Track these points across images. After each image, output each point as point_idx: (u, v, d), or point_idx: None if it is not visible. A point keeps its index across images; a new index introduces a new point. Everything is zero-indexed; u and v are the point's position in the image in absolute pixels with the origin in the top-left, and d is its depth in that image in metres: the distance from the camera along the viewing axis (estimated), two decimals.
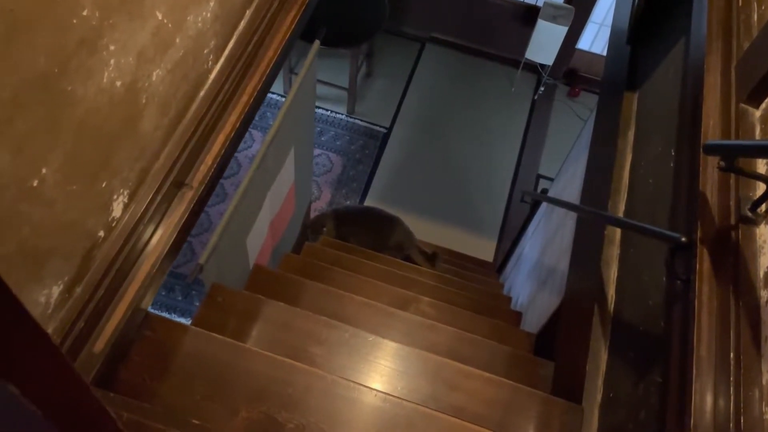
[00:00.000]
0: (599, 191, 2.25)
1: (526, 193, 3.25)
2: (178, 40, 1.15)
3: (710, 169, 1.36)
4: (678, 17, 2.09)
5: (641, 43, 2.47)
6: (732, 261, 1.25)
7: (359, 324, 1.95)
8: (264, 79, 1.47)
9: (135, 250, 1.18)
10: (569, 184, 2.95)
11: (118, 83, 1.01)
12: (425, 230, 4.02)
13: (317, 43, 2.36)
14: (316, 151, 4.31)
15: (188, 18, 1.17)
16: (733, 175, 1.32)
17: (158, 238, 1.24)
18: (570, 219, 2.66)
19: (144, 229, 1.19)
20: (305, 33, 3.81)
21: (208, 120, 1.32)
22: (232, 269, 2.20)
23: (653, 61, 2.25)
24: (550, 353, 2.24)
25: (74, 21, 0.87)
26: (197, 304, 3.69)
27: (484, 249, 4.06)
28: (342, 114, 4.47)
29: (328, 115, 4.46)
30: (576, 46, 4.47)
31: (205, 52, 1.29)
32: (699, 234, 1.32)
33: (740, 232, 1.26)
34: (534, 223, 3.53)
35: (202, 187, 1.31)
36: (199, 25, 1.22)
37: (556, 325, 2.27)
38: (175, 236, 1.26)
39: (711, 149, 1.28)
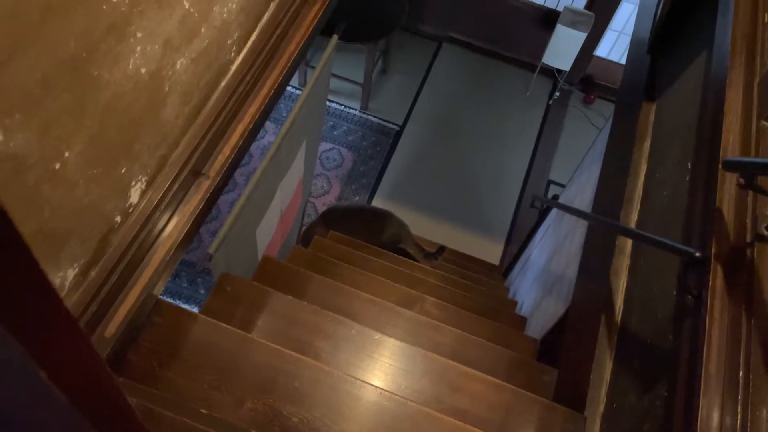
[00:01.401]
0: (612, 200, 2.24)
1: (536, 198, 3.24)
2: (203, 30, 1.16)
3: (728, 185, 1.36)
4: (701, 30, 2.08)
5: (662, 54, 2.45)
6: (746, 279, 1.24)
7: (365, 321, 1.95)
8: (285, 72, 1.47)
9: (150, 236, 1.18)
10: (581, 192, 2.95)
11: (143, 70, 1.01)
12: (433, 230, 4.02)
13: (335, 38, 2.36)
14: (328, 146, 4.31)
15: (214, 8, 1.17)
16: (751, 193, 1.32)
17: (173, 225, 1.24)
18: (580, 227, 2.66)
19: (160, 217, 1.19)
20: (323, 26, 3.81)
21: (228, 110, 1.32)
22: (241, 260, 2.21)
23: (673, 72, 2.24)
24: (553, 360, 2.24)
25: (104, 7, 0.87)
26: (202, 291, 3.70)
27: (491, 252, 4.06)
28: (355, 109, 4.47)
29: (342, 110, 4.46)
30: (594, 53, 4.45)
31: (229, 42, 1.29)
32: (714, 250, 1.31)
33: (755, 250, 1.25)
34: (543, 229, 3.52)
35: (219, 178, 1.31)
36: (225, 15, 1.22)
37: (561, 332, 2.27)
38: (189, 225, 1.26)
39: (730, 166, 1.27)
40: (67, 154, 0.90)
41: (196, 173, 1.28)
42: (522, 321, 2.70)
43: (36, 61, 0.79)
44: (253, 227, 2.23)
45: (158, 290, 1.29)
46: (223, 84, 1.32)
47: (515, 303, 3.07)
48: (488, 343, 2.02)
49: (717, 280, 1.28)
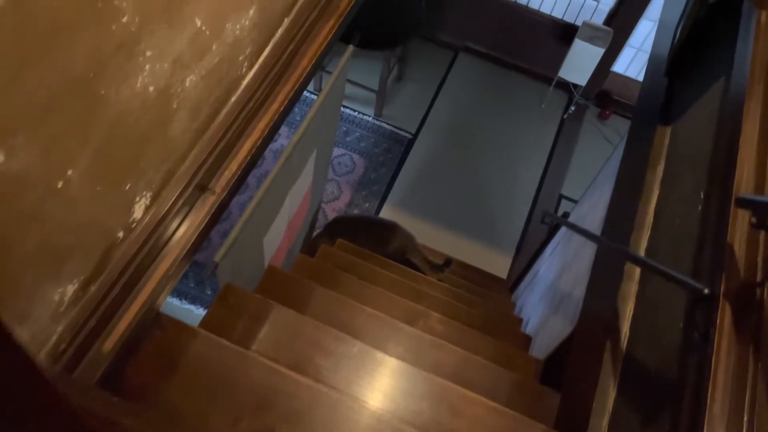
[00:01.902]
0: (622, 224, 2.22)
1: (547, 214, 3.22)
2: (214, 47, 1.15)
3: (740, 221, 1.34)
4: (720, 54, 2.05)
5: (679, 76, 2.43)
6: (754, 320, 1.22)
7: (368, 336, 1.94)
8: (296, 87, 1.46)
9: (152, 251, 1.18)
10: (592, 211, 2.92)
11: (151, 88, 1.00)
12: (441, 240, 4.00)
13: (350, 48, 2.35)
14: (340, 151, 4.31)
15: (227, 26, 1.16)
16: (763, 232, 1.29)
17: (176, 241, 1.23)
18: (589, 246, 2.63)
19: (163, 232, 1.19)
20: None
21: (237, 126, 1.32)
22: (247, 268, 2.20)
23: (690, 96, 2.21)
24: (557, 383, 2.22)
25: (113, 27, 0.86)
26: (209, 292, 3.70)
27: (499, 265, 4.03)
28: (369, 116, 4.46)
29: (355, 116, 4.45)
30: (611, 69, 4.42)
31: (241, 58, 1.28)
32: (723, 287, 1.29)
33: (766, 290, 1.23)
34: (552, 245, 3.50)
35: (225, 193, 1.30)
36: (237, 32, 1.21)
37: (566, 354, 2.25)
38: (193, 240, 1.26)
39: (743, 203, 1.25)
40: (70, 172, 0.90)
41: (202, 188, 1.28)
42: (527, 339, 2.67)
43: (42, 80, 0.79)
44: (260, 235, 2.23)
45: (159, 304, 1.28)
46: (233, 99, 1.31)
47: (521, 320, 3.04)
48: (490, 364, 2.01)
49: (725, 319, 1.26)
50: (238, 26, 1.21)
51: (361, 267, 2.68)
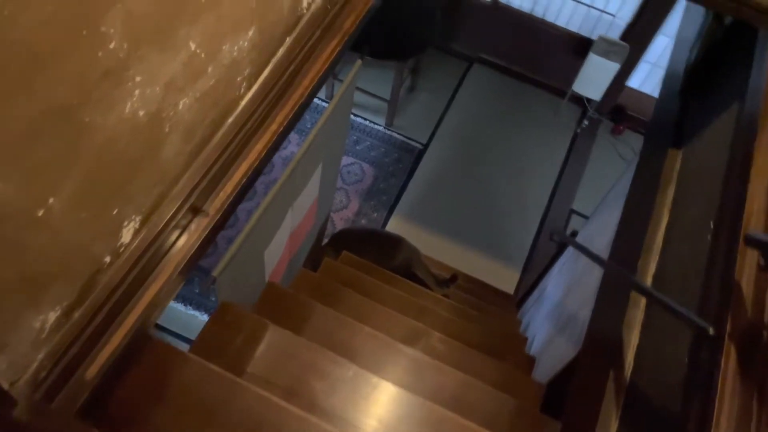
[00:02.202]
0: (631, 246, 2.17)
1: (555, 232, 3.17)
2: (210, 69, 1.12)
3: (749, 259, 1.29)
4: (735, 79, 2.00)
5: (694, 97, 2.38)
6: (760, 365, 1.17)
7: (365, 357, 1.91)
8: (296, 108, 1.43)
9: (141, 275, 1.15)
10: (602, 230, 2.87)
11: (141, 113, 0.98)
12: (448, 252, 3.96)
13: (359, 63, 2.32)
14: (350, 160, 4.28)
15: (224, 48, 1.14)
16: None
17: (167, 264, 1.21)
18: (597, 267, 2.58)
19: (153, 255, 1.16)
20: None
21: (233, 147, 1.29)
22: (247, 282, 2.18)
23: (703, 119, 2.16)
24: (558, 409, 2.18)
25: (99, 54, 0.84)
26: (213, 299, 3.68)
27: (507, 279, 3.99)
28: (380, 125, 4.43)
29: (366, 125, 4.43)
30: (626, 84, 4.37)
31: (239, 79, 1.25)
32: (728, 328, 1.25)
33: None
34: (560, 262, 3.45)
35: (219, 215, 1.28)
36: (235, 54, 1.19)
37: (568, 379, 2.20)
38: (185, 263, 1.23)
39: (752, 242, 1.21)
40: (51, 200, 0.87)
41: (196, 210, 1.25)
42: (530, 361, 2.63)
43: (21, 110, 0.77)
44: (261, 248, 2.21)
45: (149, 327, 1.26)
46: (230, 121, 1.28)
47: (525, 339, 3.00)
48: (491, 389, 1.97)
49: (729, 361, 1.22)
50: (236, 48, 1.18)
51: (363, 281, 2.65)
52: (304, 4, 1.42)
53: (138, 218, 1.10)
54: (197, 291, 3.78)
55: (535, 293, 3.61)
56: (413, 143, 4.41)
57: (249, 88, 1.32)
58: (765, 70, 1.65)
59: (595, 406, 1.87)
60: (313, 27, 1.46)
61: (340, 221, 4.08)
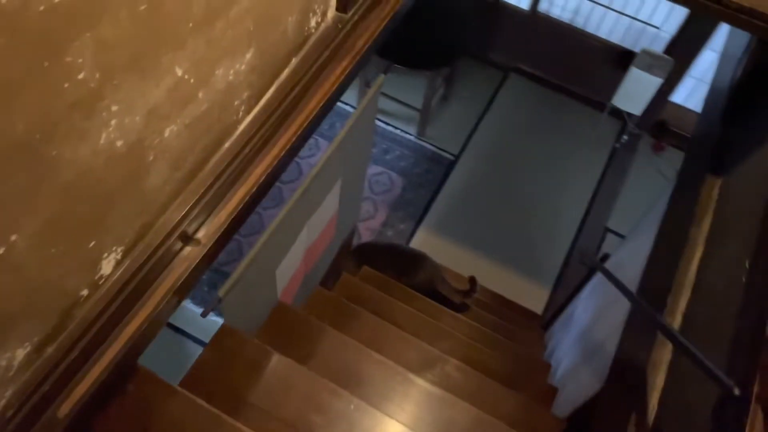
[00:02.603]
0: (662, 280, 2.05)
1: (585, 255, 3.05)
2: (201, 95, 1.06)
3: None
4: None
5: (737, 121, 2.24)
6: None
7: (373, 388, 1.83)
8: (301, 131, 1.37)
9: (124, 307, 1.10)
10: (634, 257, 2.74)
11: (119, 143, 0.92)
12: (476, 268, 3.85)
13: (381, 77, 2.25)
14: (379, 169, 4.21)
15: (216, 72, 1.08)
16: None
17: (153, 294, 1.15)
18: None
19: (138, 286, 1.11)
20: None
21: (229, 173, 1.23)
22: (257, 300, 2.13)
23: (746, 147, 2.03)
24: None
25: (66, 85, 0.78)
26: (205, 288, 3.61)
27: (535, 298, 3.86)
28: (411, 135, 4.35)
29: (397, 134, 4.35)
30: (669, 99, 4.20)
31: (236, 103, 1.19)
32: (756, 389, 1.14)
33: None
34: (591, 284, 3.32)
35: (211, 244, 1.22)
36: (231, 78, 1.13)
37: (589, 416, 2.09)
38: (173, 293, 1.18)
39: None
40: (14, 237, 0.82)
41: (187, 238, 1.19)
42: (551, 392, 2.52)
43: None
44: (273, 267, 2.15)
45: (134, 358, 1.21)
46: (226, 146, 1.22)
47: (549, 367, 2.88)
48: (505, 427, 1.87)
49: (755, 425, 1.11)
50: (231, 71, 1.12)
51: (380, 300, 2.57)
52: (312, 23, 1.35)
53: (120, 249, 1.05)
54: (206, 289, 3.71)
55: (564, 316, 3.48)
56: (444, 154, 4.32)
57: (248, 111, 1.25)
58: None
59: None
60: (322, 47, 1.39)
61: (366, 231, 4.02)
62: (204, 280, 3.64)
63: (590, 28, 4.16)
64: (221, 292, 1.85)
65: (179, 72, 0.98)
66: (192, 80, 1.02)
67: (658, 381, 1.80)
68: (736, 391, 1.15)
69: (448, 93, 4.49)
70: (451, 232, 4.03)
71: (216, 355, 1.57)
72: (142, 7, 0.84)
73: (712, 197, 2.09)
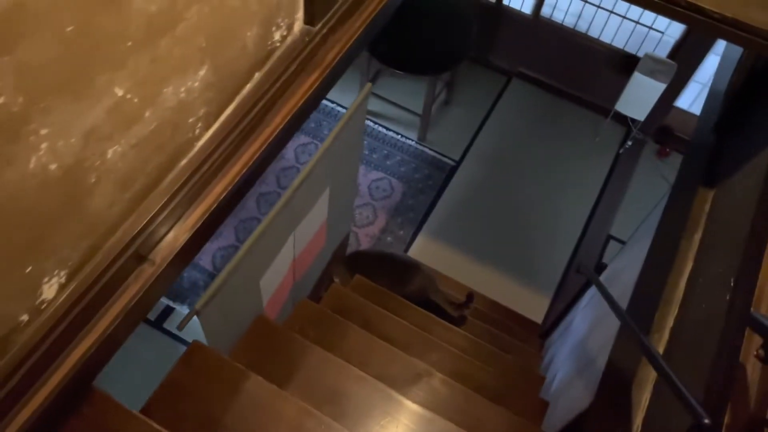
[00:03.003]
0: (651, 295, 2.00)
1: (582, 265, 2.99)
2: (148, 114, 1.04)
3: (756, 343, 1.13)
4: None
5: (730, 134, 2.18)
6: None
7: (350, 406, 1.80)
8: (266, 147, 1.34)
9: (71, 330, 1.07)
10: (629, 267, 2.68)
11: (54, 166, 0.90)
12: (475, 275, 3.81)
13: (368, 86, 2.22)
14: (379, 175, 4.18)
15: (165, 90, 1.05)
16: None
17: (104, 316, 1.13)
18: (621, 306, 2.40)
19: (86, 309, 1.08)
20: (372, 46, 3.67)
21: (186, 191, 1.20)
22: (240, 312, 2.10)
23: (736, 160, 1.97)
24: None
25: None
26: (186, 286, 3.58)
27: (536, 306, 3.81)
28: (412, 140, 4.32)
29: (397, 139, 4.32)
30: (674, 104, 4.13)
31: (191, 120, 1.17)
32: (727, 419, 1.09)
33: None
34: (589, 294, 3.26)
35: (166, 264, 1.19)
36: (182, 95, 1.10)
37: None
38: (125, 314, 1.15)
39: (755, 325, 1.05)
40: None
41: (140, 259, 1.17)
42: (542, 407, 2.47)
43: None
44: (256, 277, 2.12)
45: (88, 381, 1.18)
46: (182, 163, 1.20)
47: (542, 380, 2.83)
48: None
49: None
50: (182, 89, 1.09)
51: (370, 311, 2.54)
52: (276, 37, 1.32)
53: (63, 273, 1.03)
54: (186, 287, 3.67)
55: (562, 325, 3.42)
56: (445, 159, 4.28)
57: (206, 128, 1.22)
58: None
59: None
60: (288, 61, 1.35)
61: (365, 237, 3.99)
62: (184, 278, 3.63)
63: (593, 33, 4.10)
64: (198, 305, 1.82)
65: (120, 92, 0.95)
66: (136, 100, 0.99)
67: (643, 399, 1.76)
68: (706, 421, 1.11)
69: (450, 97, 4.45)
70: (451, 239, 3.98)
71: (184, 374, 1.54)
72: (69, 29, 0.81)
73: (704, 210, 2.03)
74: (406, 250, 3.90)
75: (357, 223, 4.01)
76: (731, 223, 1.77)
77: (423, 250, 3.91)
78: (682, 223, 2.04)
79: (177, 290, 3.60)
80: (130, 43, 0.92)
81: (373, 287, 2.89)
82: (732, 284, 1.52)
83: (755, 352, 1.01)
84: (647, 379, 1.78)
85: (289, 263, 2.41)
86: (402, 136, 4.33)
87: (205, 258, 3.73)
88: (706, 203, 2.04)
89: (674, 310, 1.85)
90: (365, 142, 4.28)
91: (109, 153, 0.99)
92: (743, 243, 1.54)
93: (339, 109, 4.40)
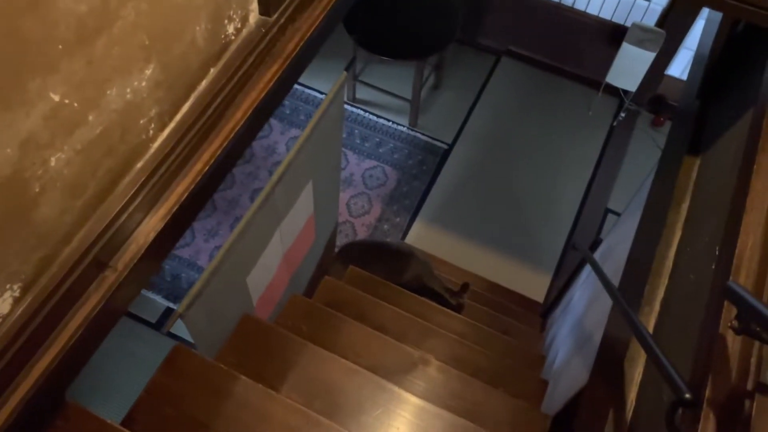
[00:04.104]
0: (641, 267, 1.96)
1: (577, 243, 2.96)
2: (92, 118, 1.01)
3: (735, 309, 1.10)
4: (749, 83, 1.76)
5: (713, 100, 2.13)
6: None
7: (341, 400, 1.78)
8: (228, 143, 1.31)
9: (30, 344, 1.06)
10: (623, 241, 2.64)
11: None
12: (474, 258, 3.78)
13: (344, 75, 2.18)
14: (372, 163, 4.15)
15: (108, 92, 1.02)
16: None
17: (66, 327, 1.11)
18: (615, 281, 2.37)
19: (45, 321, 1.06)
20: (356, 33, 3.62)
21: (145, 194, 1.18)
22: (228, 312, 2.08)
23: (720, 126, 1.93)
24: None
25: None
26: (185, 286, 3.57)
27: (537, 286, 3.78)
28: (404, 126, 4.28)
29: (389, 126, 4.28)
30: (665, 72, 4.07)
31: (143, 122, 1.14)
32: (708, 393, 1.06)
33: (756, 403, 0.99)
34: (587, 270, 3.22)
35: (127, 271, 1.17)
36: (128, 96, 1.07)
37: (573, 415, 2.02)
38: (87, 324, 1.13)
39: (731, 295, 1.01)
40: None
41: (101, 266, 1.15)
42: (542, 387, 2.44)
43: None
44: (242, 276, 2.10)
45: (60, 392, 1.17)
46: (138, 166, 1.17)
47: (542, 360, 2.80)
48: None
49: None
50: (128, 90, 1.06)
51: (364, 302, 2.52)
52: (230, 30, 1.29)
53: (16, 286, 1.01)
54: (168, 279, 3.64)
55: (563, 303, 3.39)
56: (438, 143, 4.24)
57: (161, 128, 1.20)
58: None
59: None
60: (245, 53, 1.32)
61: (362, 227, 3.96)
62: (182, 278, 3.62)
63: (580, 5, 4.03)
64: (181, 308, 1.80)
65: (56, 97, 0.92)
66: (75, 104, 0.97)
67: (636, 375, 1.73)
68: (687, 395, 1.08)
69: (439, 81, 4.40)
70: (448, 223, 3.95)
71: (168, 378, 1.53)
72: None
73: (690, 179, 2.00)
74: (404, 237, 3.87)
75: (353, 213, 3.99)
76: (716, 191, 1.73)
77: (420, 236, 3.88)
78: (669, 193, 2.00)
79: (176, 291, 3.59)
80: (60, 46, 0.90)
81: (366, 277, 2.87)
82: (717, 253, 1.48)
83: (729, 323, 0.98)
84: (639, 355, 1.75)
85: (279, 260, 2.39)
86: (393, 122, 4.29)
87: (202, 257, 3.72)
88: (693, 172, 2.00)
89: (664, 282, 1.82)
90: (356, 131, 4.25)
91: (52, 161, 0.97)
92: (727, 208, 1.50)
93: (312, 93, 4.38)
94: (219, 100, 1.29)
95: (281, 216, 2.22)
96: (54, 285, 1.06)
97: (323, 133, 2.24)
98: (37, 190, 0.96)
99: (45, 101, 0.91)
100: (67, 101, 0.95)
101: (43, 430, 1.19)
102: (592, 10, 4.03)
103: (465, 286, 3.01)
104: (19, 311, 1.02)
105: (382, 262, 2.99)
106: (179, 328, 1.82)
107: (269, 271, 2.33)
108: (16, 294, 1.01)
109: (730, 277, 1.16)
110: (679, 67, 4.06)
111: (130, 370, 3.21)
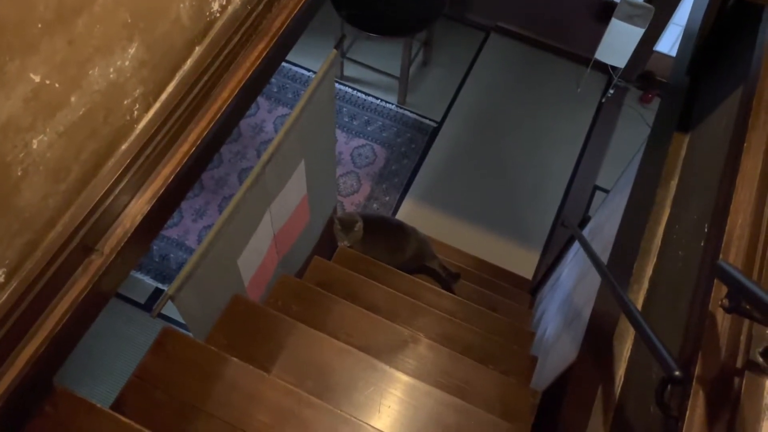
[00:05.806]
0: (630, 245, 1.97)
1: (566, 219, 2.96)
2: (74, 99, 0.99)
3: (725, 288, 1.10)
4: (740, 59, 1.76)
5: (703, 76, 2.12)
6: (728, 417, 0.99)
7: (332, 379, 1.79)
8: (214, 123, 1.29)
9: (17, 330, 1.04)
10: (611, 219, 2.65)
11: None
12: (464, 236, 3.79)
13: (334, 53, 2.15)
14: (361, 141, 4.12)
15: (90, 72, 1.00)
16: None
17: (54, 311, 1.10)
18: (603, 258, 2.38)
19: (31, 306, 1.05)
20: (343, 10, 3.57)
21: (131, 176, 1.16)
22: (219, 293, 2.07)
23: (710, 103, 1.92)
24: (551, 422, 2.02)
25: None
26: (174, 267, 3.56)
27: (526, 262, 3.79)
28: (392, 104, 4.25)
29: (378, 104, 4.25)
30: (654, 48, 4.05)
31: (127, 102, 1.11)
32: (698, 370, 1.07)
33: (745, 380, 1.00)
34: (575, 247, 3.23)
35: (114, 255, 1.15)
36: (112, 76, 1.05)
37: (563, 391, 2.04)
38: (75, 308, 1.11)
39: (722, 275, 1.01)
40: None
41: (88, 250, 1.13)
42: (532, 363, 2.46)
43: None
44: (233, 257, 2.09)
45: (48, 377, 1.16)
46: (123, 148, 1.15)
47: (532, 336, 2.82)
48: (474, 409, 1.82)
49: (697, 408, 1.04)
50: (111, 70, 1.04)
51: (355, 281, 2.52)
52: (215, 7, 1.26)
53: (1, 272, 0.99)
54: (157, 260, 3.63)
55: (552, 279, 3.41)
56: (427, 121, 4.21)
57: (146, 109, 1.17)
58: (762, 55, 1.41)
59: (583, 424, 1.72)
60: (230, 32, 1.30)
61: (351, 206, 3.95)
62: (171, 259, 3.61)
63: None
64: (171, 289, 1.79)
65: (36, 78, 0.90)
66: (57, 85, 0.94)
67: (625, 351, 1.74)
68: (677, 373, 1.08)
69: (427, 58, 4.37)
70: (437, 201, 3.95)
71: (158, 360, 1.52)
72: None
73: (679, 156, 1.99)
74: (393, 215, 3.86)
75: (342, 192, 3.97)
76: (705, 168, 1.73)
77: (410, 214, 3.88)
78: (658, 170, 2.00)
79: (165, 271, 3.58)
80: (39, 25, 0.87)
81: (357, 257, 2.86)
82: (706, 231, 1.49)
83: (719, 302, 0.98)
84: (628, 332, 1.76)
85: (270, 240, 2.38)
86: (381, 100, 4.26)
87: (191, 237, 3.70)
88: (682, 149, 1.99)
89: (653, 260, 1.82)
90: (345, 109, 4.21)
91: (34, 143, 0.95)
92: (716, 185, 1.50)
93: (302, 71, 4.34)
94: (205, 79, 1.27)
95: (272, 197, 2.20)
96: (39, 270, 1.04)
97: (314, 112, 2.21)
98: (19, 173, 0.94)
99: (25, 83, 0.89)
100: (48, 82, 0.93)
101: (31, 417, 1.18)
102: None
103: (456, 276, 3.02)
104: (3, 297, 1.01)
105: (385, 237, 2.97)
106: (169, 308, 1.82)
107: (260, 252, 2.32)
108: (1, 280, 1.00)
109: (720, 256, 1.16)
110: (668, 43, 4.05)
111: (119, 351, 3.20)
